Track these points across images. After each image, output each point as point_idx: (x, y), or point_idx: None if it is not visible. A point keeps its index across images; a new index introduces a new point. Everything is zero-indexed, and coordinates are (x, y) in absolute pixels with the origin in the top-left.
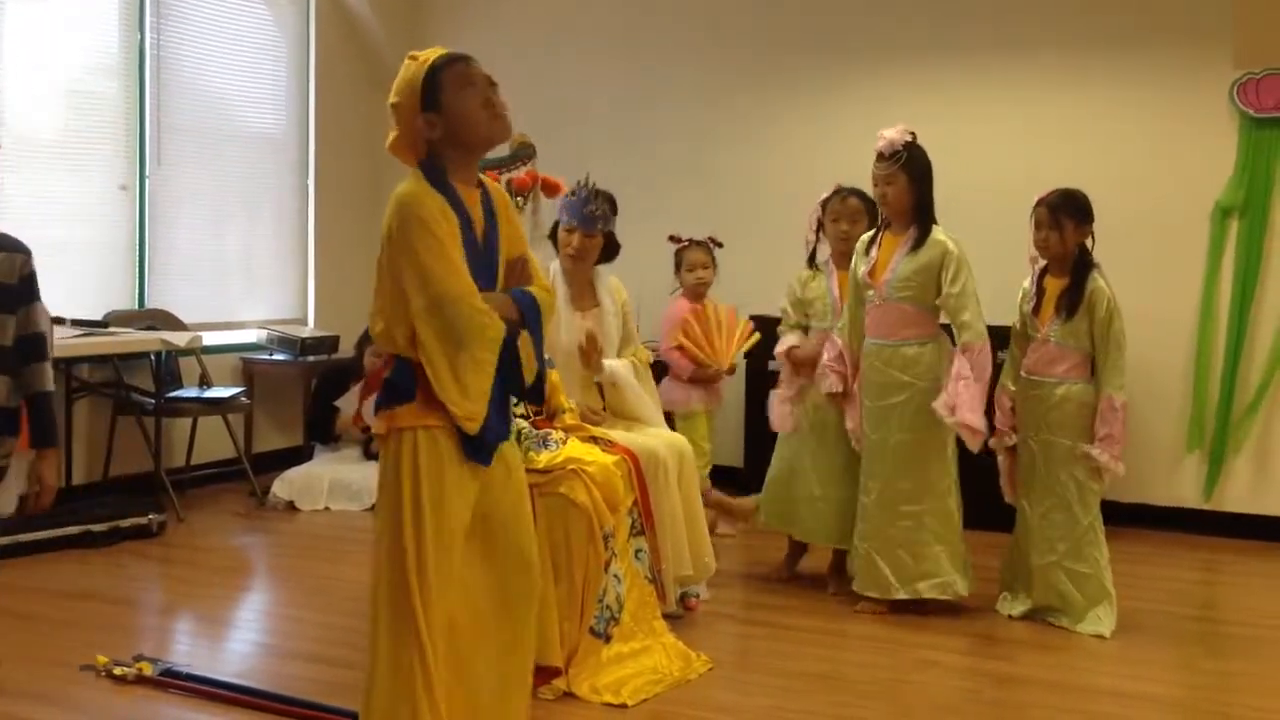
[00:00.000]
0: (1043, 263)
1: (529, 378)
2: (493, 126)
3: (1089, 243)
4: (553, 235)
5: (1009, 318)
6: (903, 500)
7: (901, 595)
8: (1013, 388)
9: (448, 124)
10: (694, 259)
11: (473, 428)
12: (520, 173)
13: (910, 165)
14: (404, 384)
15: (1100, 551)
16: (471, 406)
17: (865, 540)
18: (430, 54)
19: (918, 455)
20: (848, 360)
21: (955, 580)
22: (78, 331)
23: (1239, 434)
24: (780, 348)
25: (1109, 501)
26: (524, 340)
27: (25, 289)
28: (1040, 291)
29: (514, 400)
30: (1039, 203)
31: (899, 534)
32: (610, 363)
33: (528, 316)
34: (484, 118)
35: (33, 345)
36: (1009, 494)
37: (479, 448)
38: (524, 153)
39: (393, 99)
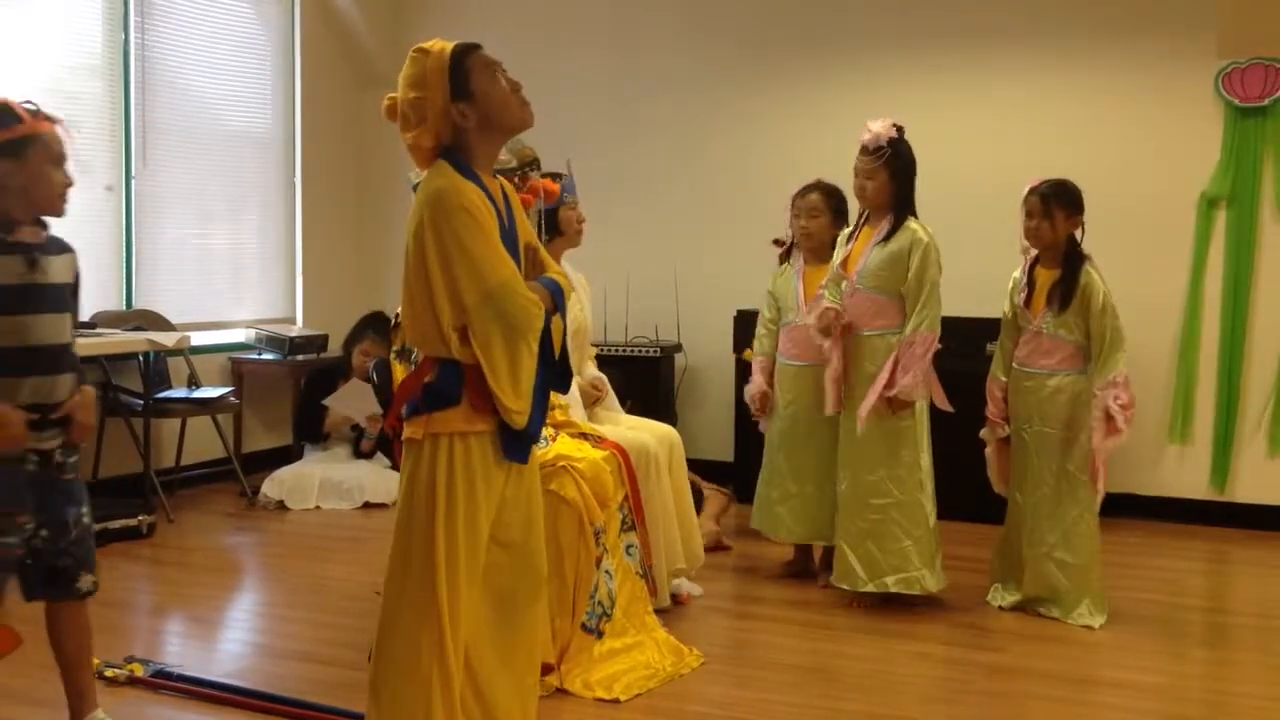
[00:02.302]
0: (1034, 253)
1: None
2: (524, 113)
3: (1079, 233)
4: (548, 225)
5: (992, 309)
6: (870, 493)
7: (869, 588)
8: (1004, 379)
9: (481, 112)
10: None
11: (522, 421)
12: (523, 189)
13: (893, 161)
14: (450, 388)
15: (1091, 543)
16: (521, 402)
17: (838, 531)
18: (441, 44)
19: (885, 448)
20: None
21: (923, 575)
22: None
23: (1261, 423)
24: (749, 394)
25: None
26: (555, 327)
27: (77, 287)
28: (1031, 283)
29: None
30: (1030, 191)
31: (868, 527)
32: (592, 371)
33: (558, 303)
34: (516, 103)
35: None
36: (998, 485)
37: (523, 445)
38: (530, 166)
39: (414, 94)
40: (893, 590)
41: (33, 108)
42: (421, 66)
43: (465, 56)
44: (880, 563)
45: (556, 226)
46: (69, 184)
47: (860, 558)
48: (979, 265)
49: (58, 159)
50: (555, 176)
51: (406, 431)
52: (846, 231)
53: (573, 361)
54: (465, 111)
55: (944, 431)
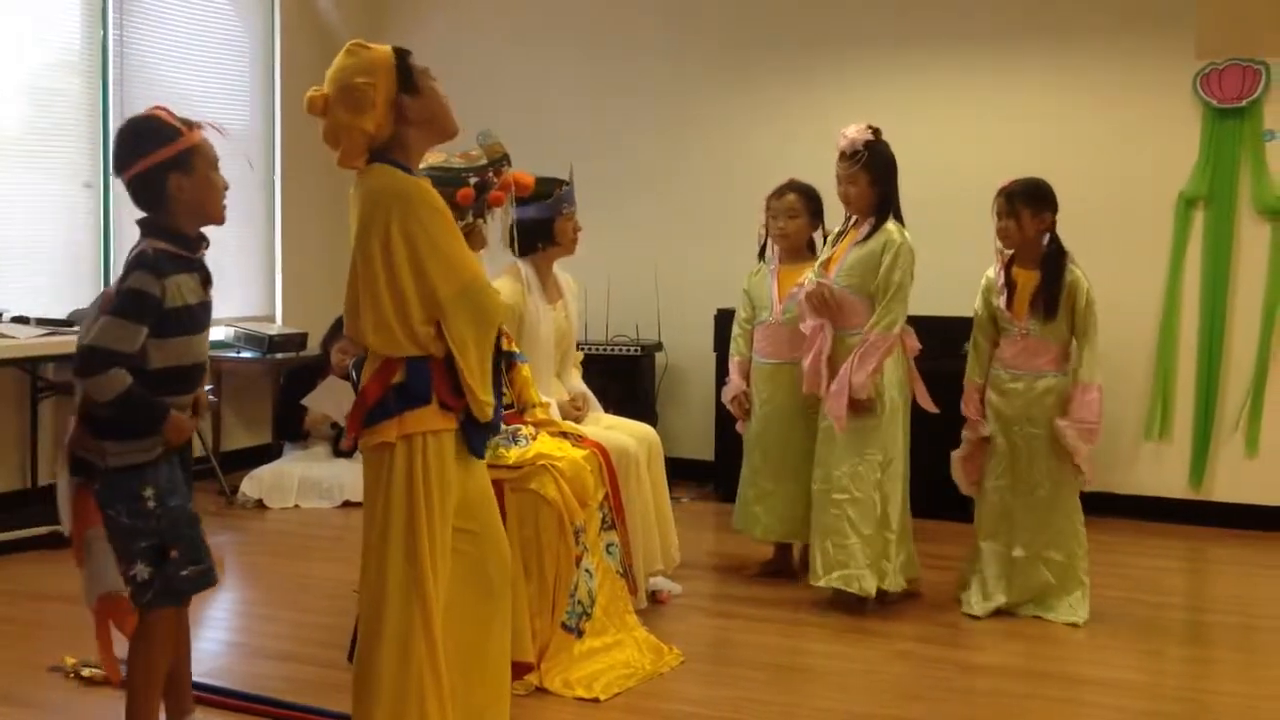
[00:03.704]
0: (1009, 253)
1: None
2: (456, 121)
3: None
4: (543, 234)
5: (969, 309)
6: (833, 489)
7: (821, 584)
8: (980, 381)
9: (427, 109)
10: None
11: (490, 413)
12: (495, 185)
13: (872, 164)
14: (421, 387)
15: (1078, 542)
16: (489, 394)
17: (811, 527)
18: (379, 45)
19: (851, 447)
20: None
21: (863, 575)
22: (41, 331)
23: (1238, 424)
24: (726, 396)
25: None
26: None
27: None
28: (1011, 284)
29: None
30: (999, 192)
31: (829, 522)
32: (576, 385)
33: None
34: (450, 110)
35: None
36: (966, 487)
37: (485, 438)
38: (500, 161)
39: (361, 79)
40: (834, 586)
41: (179, 115)
42: (365, 58)
43: (408, 56)
44: (831, 558)
45: (552, 237)
46: (227, 186)
47: (819, 553)
48: (961, 265)
49: (215, 163)
50: (558, 183)
51: (376, 437)
52: (835, 232)
53: (556, 367)
54: (410, 105)
55: (927, 431)
